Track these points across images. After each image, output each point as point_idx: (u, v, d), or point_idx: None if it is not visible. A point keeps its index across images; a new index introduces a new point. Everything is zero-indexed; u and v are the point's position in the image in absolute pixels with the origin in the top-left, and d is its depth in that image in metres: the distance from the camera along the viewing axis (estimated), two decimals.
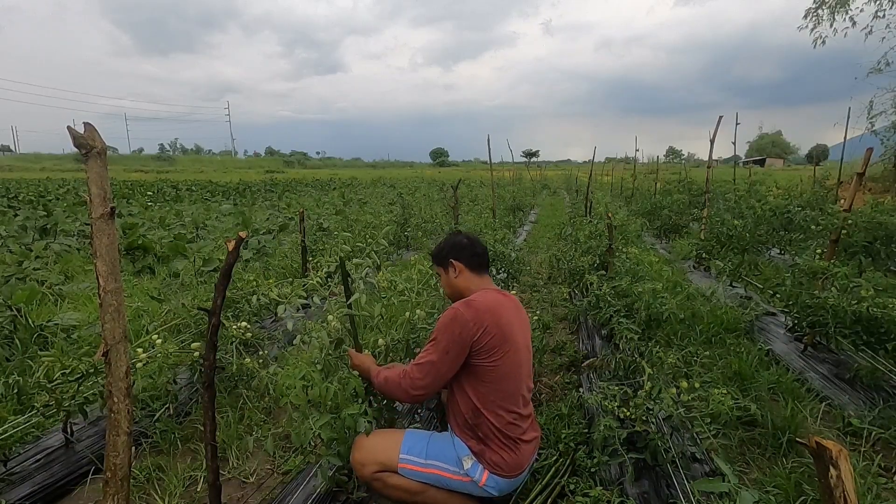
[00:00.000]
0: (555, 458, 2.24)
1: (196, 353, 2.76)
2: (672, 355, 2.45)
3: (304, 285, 2.02)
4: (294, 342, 1.92)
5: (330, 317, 2.02)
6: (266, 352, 3.31)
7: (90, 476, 2.23)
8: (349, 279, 1.91)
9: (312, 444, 2.29)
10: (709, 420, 2.01)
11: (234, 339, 2.97)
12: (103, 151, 1.24)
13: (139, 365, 2.56)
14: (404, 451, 1.83)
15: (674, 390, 2.11)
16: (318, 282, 1.97)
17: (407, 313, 2.51)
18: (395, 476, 1.82)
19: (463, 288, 1.99)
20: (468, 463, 1.81)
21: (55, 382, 2.26)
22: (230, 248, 1.50)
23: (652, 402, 2.09)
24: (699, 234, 6.94)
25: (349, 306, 1.92)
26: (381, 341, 2.47)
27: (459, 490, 1.84)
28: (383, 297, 2.47)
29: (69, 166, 52.71)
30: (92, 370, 2.28)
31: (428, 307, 2.71)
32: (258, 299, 2.06)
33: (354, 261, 1.88)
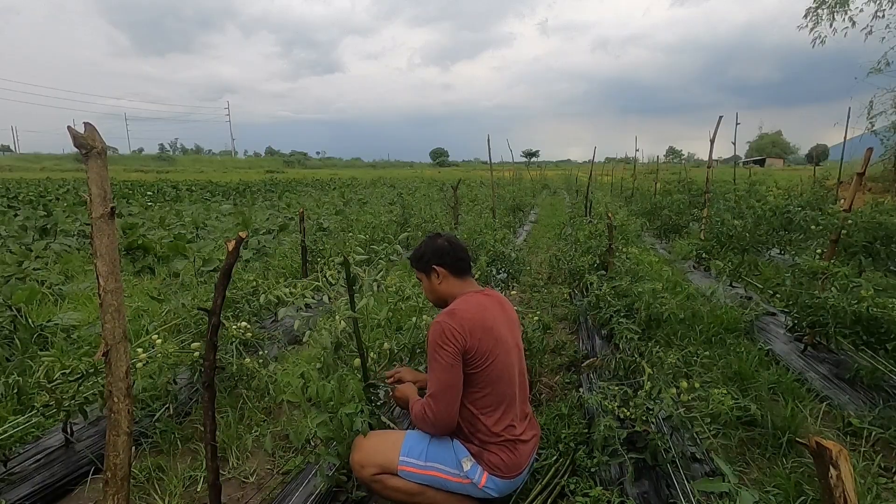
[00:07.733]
0: (555, 458, 2.24)
1: (196, 353, 2.76)
2: (672, 355, 2.45)
3: (313, 286, 2.02)
4: (304, 339, 1.91)
5: (337, 316, 2.01)
6: (266, 352, 3.31)
7: (90, 476, 2.22)
8: (354, 282, 1.90)
9: (313, 443, 2.29)
10: (709, 420, 2.01)
11: (234, 339, 2.97)
12: (103, 151, 1.24)
13: (139, 365, 2.56)
14: (404, 453, 1.83)
15: (674, 390, 2.11)
16: (326, 281, 1.98)
17: (414, 318, 2.51)
18: (394, 478, 1.81)
19: (447, 294, 1.96)
20: (467, 465, 1.81)
21: (55, 382, 2.26)
22: (230, 248, 1.50)
23: (652, 402, 2.09)
24: (699, 234, 6.95)
25: (353, 310, 1.91)
26: (385, 345, 2.46)
27: (459, 492, 1.83)
28: (390, 302, 2.46)
29: (69, 166, 52.72)
30: (92, 370, 2.28)
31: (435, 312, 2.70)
32: (265, 297, 2.05)
33: (355, 261, 1.88)
